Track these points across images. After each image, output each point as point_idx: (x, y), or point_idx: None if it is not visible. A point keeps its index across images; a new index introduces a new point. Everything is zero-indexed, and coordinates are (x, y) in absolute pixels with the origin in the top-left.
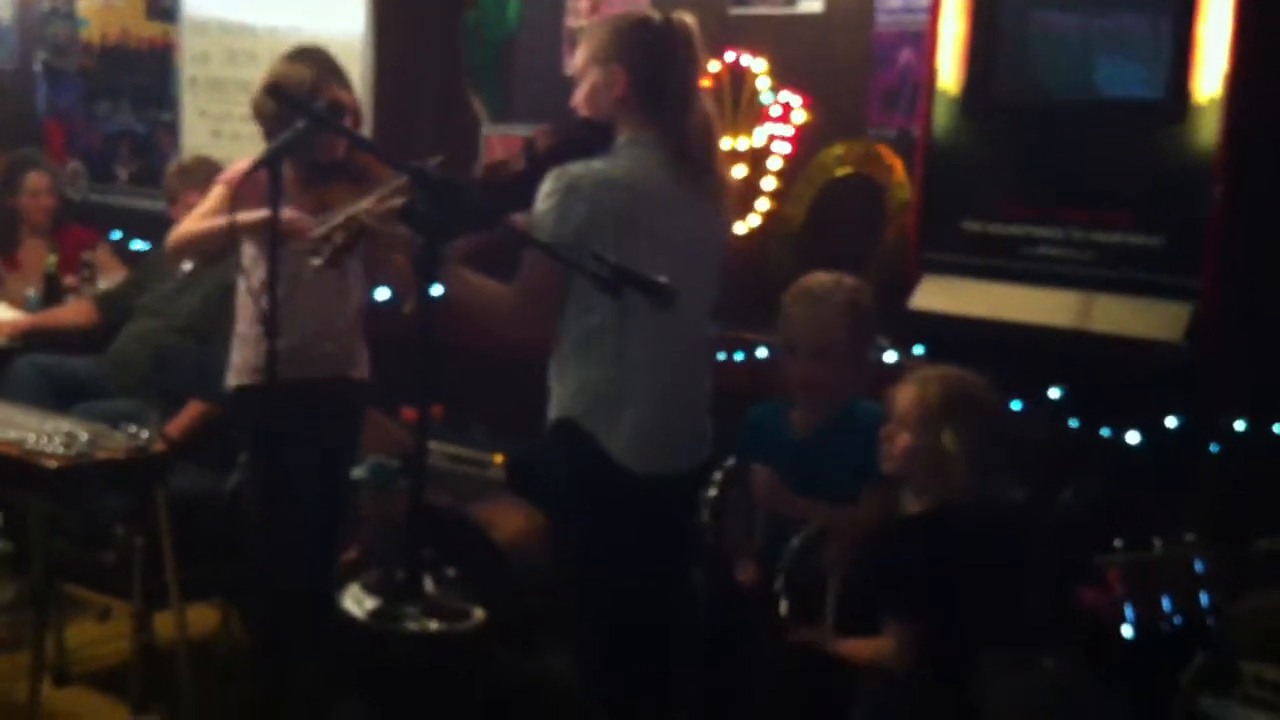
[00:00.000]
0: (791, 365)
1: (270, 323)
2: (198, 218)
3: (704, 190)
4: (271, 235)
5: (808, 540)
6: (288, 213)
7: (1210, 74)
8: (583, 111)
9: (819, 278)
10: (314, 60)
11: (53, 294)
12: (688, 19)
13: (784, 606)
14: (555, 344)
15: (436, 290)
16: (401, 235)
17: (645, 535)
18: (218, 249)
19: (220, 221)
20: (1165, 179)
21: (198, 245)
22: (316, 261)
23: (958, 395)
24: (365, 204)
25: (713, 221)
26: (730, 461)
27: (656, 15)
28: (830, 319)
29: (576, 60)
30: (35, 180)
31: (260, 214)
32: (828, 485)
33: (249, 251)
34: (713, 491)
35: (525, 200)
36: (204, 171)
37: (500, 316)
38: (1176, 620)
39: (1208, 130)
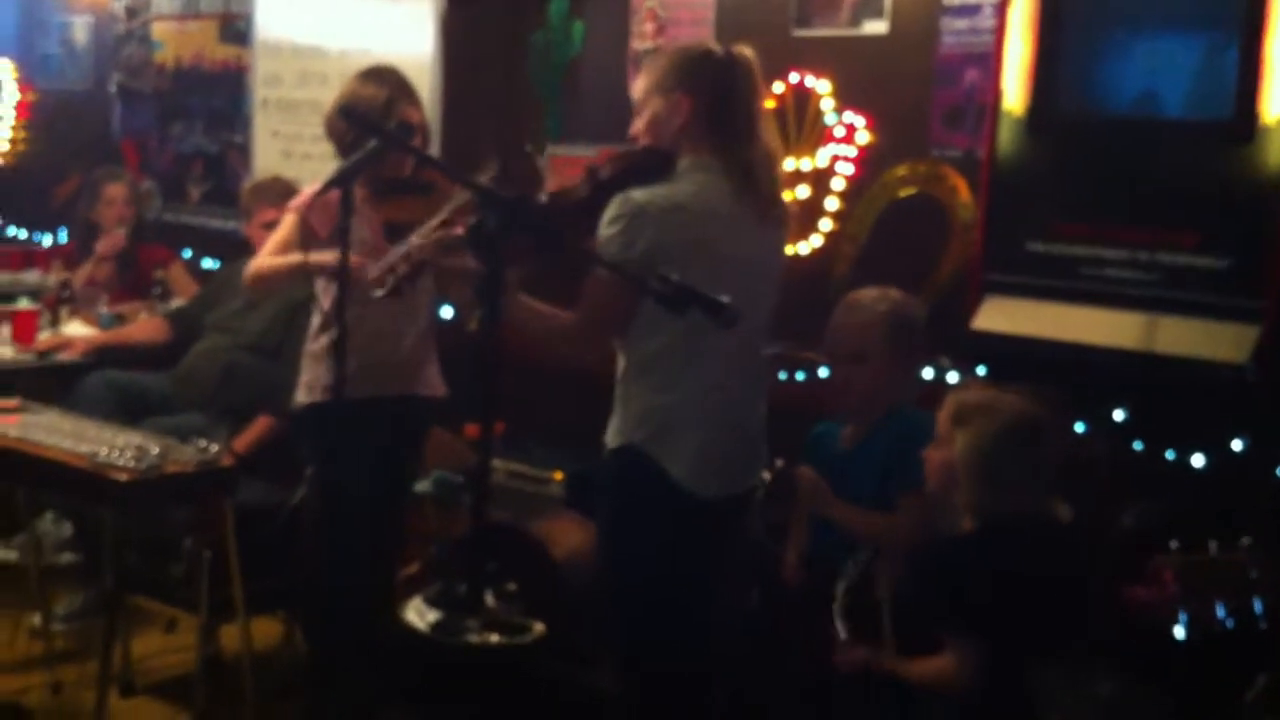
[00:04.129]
0: (832, 372)
1: (339, 346)
2: (272, 248)
3: (766, 217)
4: (342, 261)
5: (862, 563)
6: (355, 260)
7: (1278, 94)
8: (644, 140)
9: (866, 290)
10: (387, 80)
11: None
12: (748, 51)
13: (842, 630)
14: (619, 369)
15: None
16: (463, 266)
17: (701, 556)
18: (295, 282)
19: (293, 260)
20: (1232, 200)
21: (274, 281)
22: (379, 293)
23: (967, 404)
24: (428, 230)
25: (773, 247)
26: (779, 463)
27: (718, 47)
28: (869, 325)
29: (637, 90)
30: (112, 190)
31: (330, 256)
32: (867, 490)
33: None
34: (760, 492)
35: (589, 226)
36: (278, 189)
37: (565, 341)
38: (1229, 624)
39: (1275, 151)
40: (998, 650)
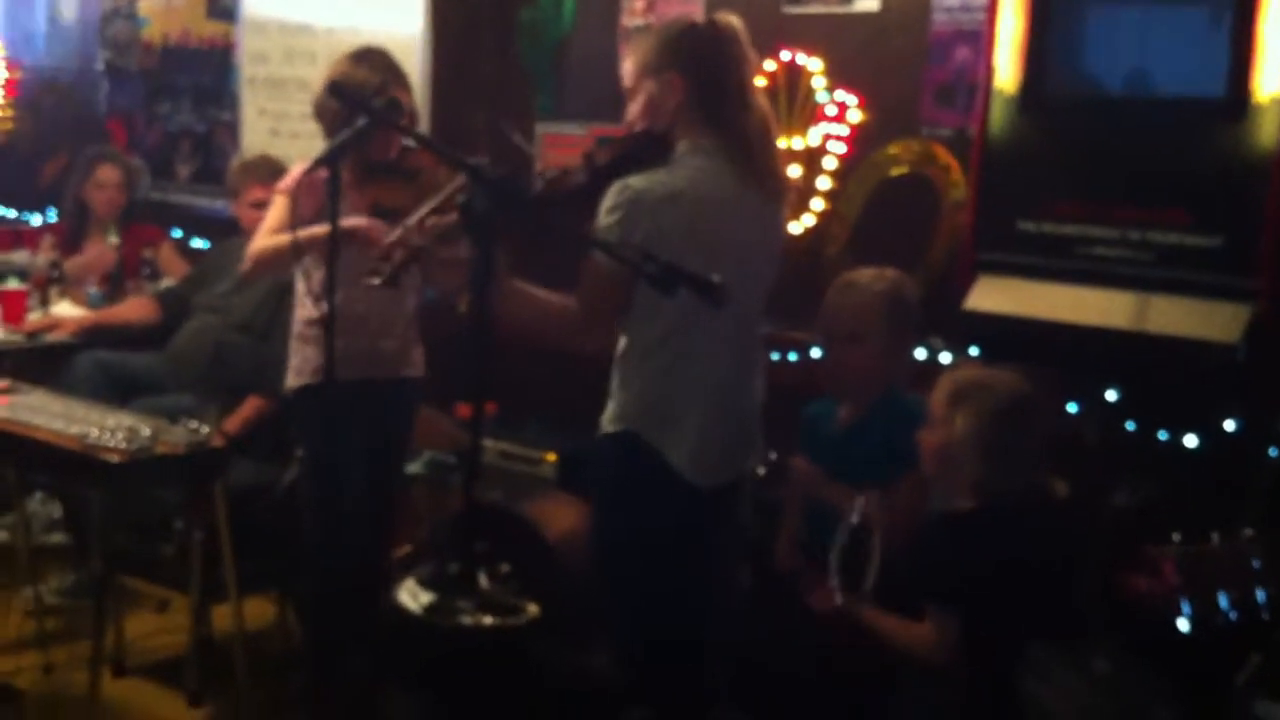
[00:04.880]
0: (827, 352)
1: (329, 325)
2: (265, 234)
3: (766, 191)
4: (331, 237)
5: (860, 522)
6: (348, 221)
7: (1271, 72)
8: (640, 125)
9: (862, 270)
10: (378, 63)
11: (114, 291)
12: (732, 19)
13: (835, 581)
14: (619, 350)
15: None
16: (457, 256)
17: (698, 541)
18: (290, 263)
19: (283, 240)
20: (1223, 178)
21: (270, 265)
22: (375, 281)
23: (964, 384)
24: (425, 210)
25: (773, 225)
26: (773, 455)
27: (701, 19)
28: (866, 306)
29: (625, 74)
30: (104, 173)
31: (321, 229)
32: (864, 473)
33: (309, 255)
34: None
35: (587, 213)
36: (267, 167)
37: (564, 329)
38: (1232, 616)
39: (1268, 129)
40: (985, 628)
